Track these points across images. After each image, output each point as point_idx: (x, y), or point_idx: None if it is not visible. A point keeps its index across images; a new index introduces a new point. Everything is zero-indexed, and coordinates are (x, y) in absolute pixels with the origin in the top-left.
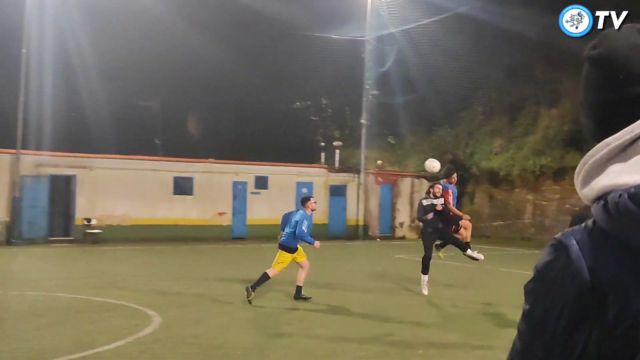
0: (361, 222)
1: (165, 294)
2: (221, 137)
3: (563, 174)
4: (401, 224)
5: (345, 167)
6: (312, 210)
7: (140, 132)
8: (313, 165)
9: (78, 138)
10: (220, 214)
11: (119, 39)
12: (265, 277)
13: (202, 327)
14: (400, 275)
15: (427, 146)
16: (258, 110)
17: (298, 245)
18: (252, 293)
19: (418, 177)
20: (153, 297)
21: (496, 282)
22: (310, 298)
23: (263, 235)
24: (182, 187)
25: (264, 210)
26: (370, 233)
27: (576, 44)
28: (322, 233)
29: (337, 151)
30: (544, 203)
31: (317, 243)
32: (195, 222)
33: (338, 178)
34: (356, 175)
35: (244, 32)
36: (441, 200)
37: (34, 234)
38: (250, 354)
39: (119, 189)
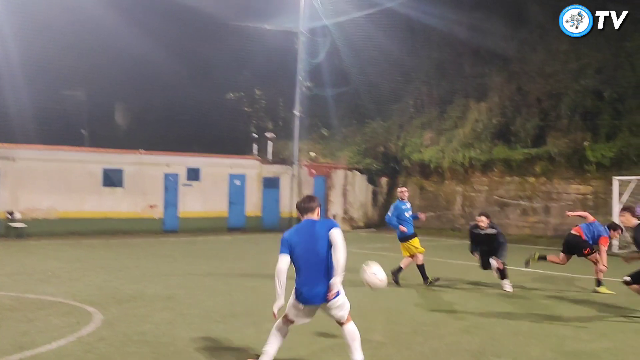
0: (295, 214)
1: (103, 289)
2: (150, 127)
3: (491, 166)
4: (334, 216)
5: (278, 159)
6: (401, 199)
7: (65, 122)
8: (246, 156)
9: None
10: (152, 206)
11: (42, 26)
12: (421, 268)
13: (148, 323)
14: None
15: (359, 138)
16: (188, 100)
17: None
18: (429, 280)
19: (351, 169)
20: (90, 293)
21: (434, 272)
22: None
23: (196, 228)
24: (112, 179)
25: (197, 202)
26: None
27: (505, 40)
28: (255, 225)
29: (270, 143)
30: (473, 194)
31: (422, 215)
32: (125, 215)
33: (271, 170)
34: (290, 167)
35: (174, 21)
36: (492, 231)
37: None
38: (202, 351)
39: (45, 181)
